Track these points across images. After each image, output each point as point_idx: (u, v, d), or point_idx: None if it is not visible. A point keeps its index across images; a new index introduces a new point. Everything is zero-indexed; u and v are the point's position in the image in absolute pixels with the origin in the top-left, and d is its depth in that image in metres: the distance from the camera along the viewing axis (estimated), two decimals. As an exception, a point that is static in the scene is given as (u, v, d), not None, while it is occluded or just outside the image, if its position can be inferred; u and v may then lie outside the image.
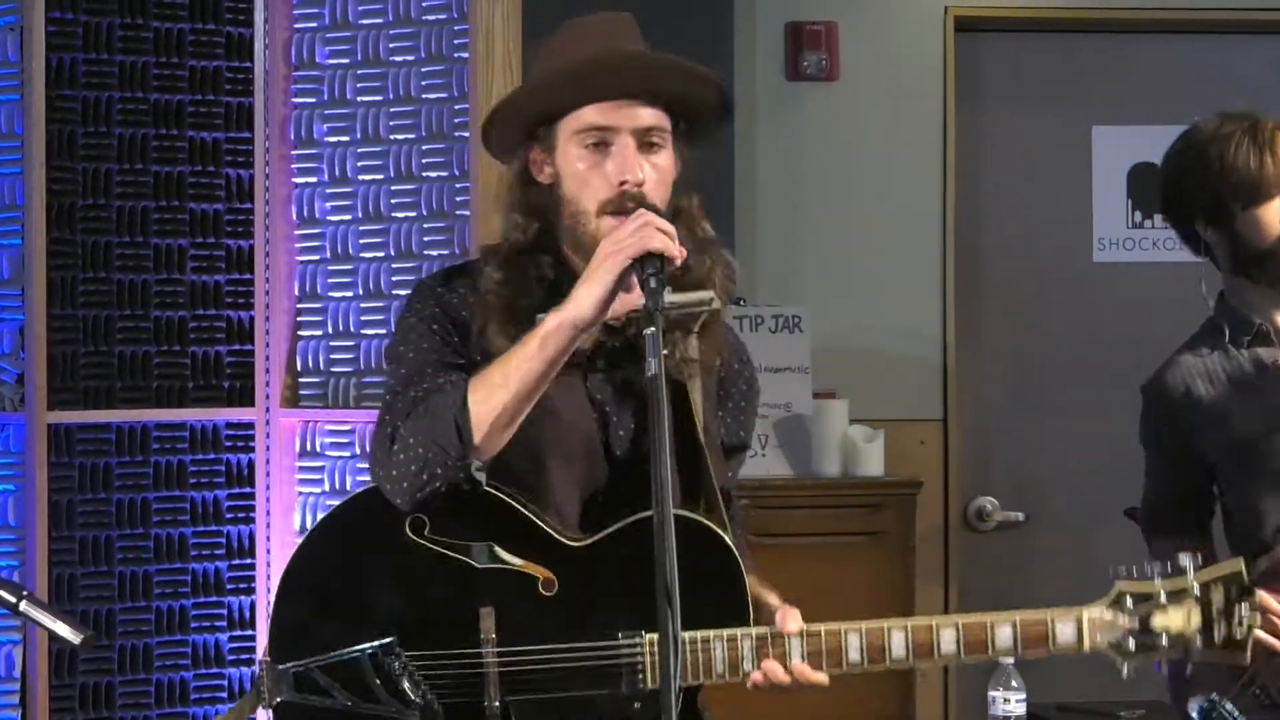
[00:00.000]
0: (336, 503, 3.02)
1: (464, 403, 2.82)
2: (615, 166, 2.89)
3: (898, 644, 2.85)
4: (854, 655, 2.85)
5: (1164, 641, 2.88)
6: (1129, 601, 2.89)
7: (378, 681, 2.74)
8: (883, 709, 5.24)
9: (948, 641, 2.86)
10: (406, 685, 2.74)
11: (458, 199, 4.76)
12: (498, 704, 2.84)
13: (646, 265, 2.70)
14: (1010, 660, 3.49)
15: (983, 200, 6.03)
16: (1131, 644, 2.88)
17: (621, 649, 2.85)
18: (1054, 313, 6.03)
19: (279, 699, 2.79)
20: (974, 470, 5.95)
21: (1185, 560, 2.96)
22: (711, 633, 2.83)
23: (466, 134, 4.70)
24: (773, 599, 2.97)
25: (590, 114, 2.91)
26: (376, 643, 2.74)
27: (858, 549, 5.38)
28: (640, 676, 2.85)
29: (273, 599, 2.95)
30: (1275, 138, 3.66)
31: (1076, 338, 5.95)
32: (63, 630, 3.05)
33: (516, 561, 2.86)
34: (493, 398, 2.81)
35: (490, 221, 4.59)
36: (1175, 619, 2.88)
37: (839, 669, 2.86)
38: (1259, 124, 3.69)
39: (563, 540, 2.88)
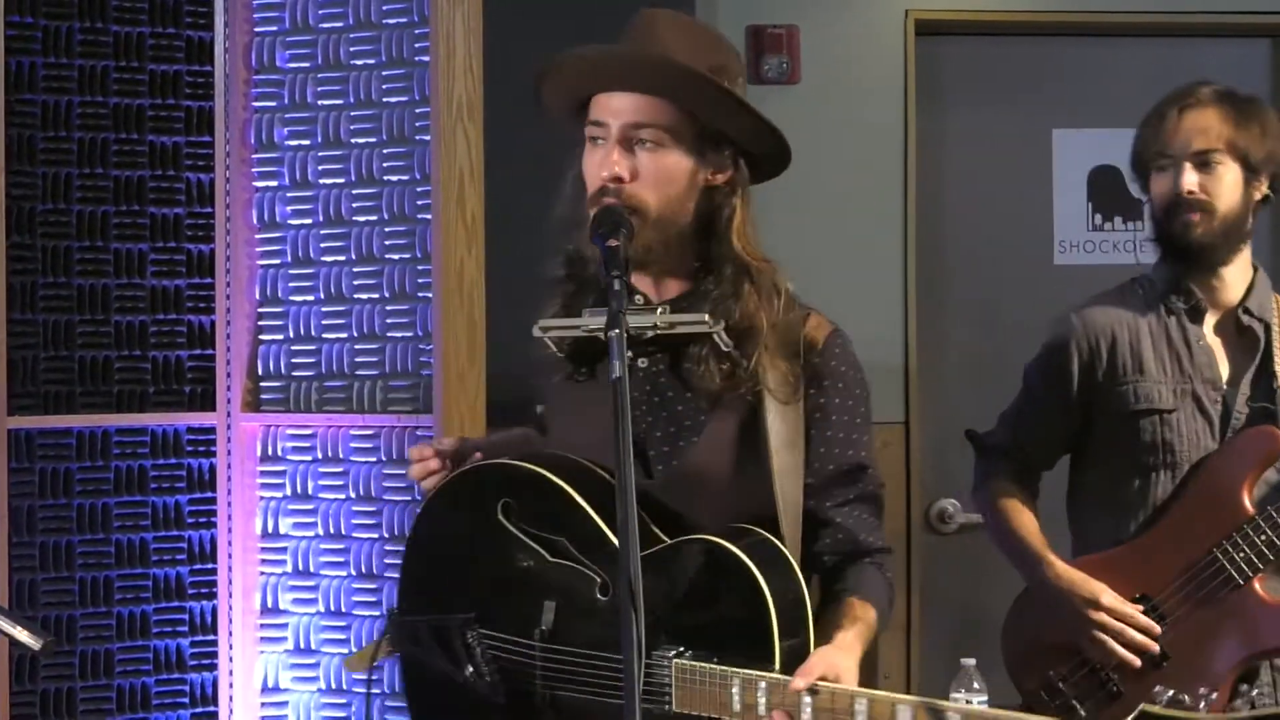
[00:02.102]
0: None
1: None
2: (599, 161, 2.95)
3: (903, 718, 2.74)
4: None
5: None
6: None
7: (462, 650, 2.95)
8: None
9: None
10: (480, 659, 2.94)
11: (419, 202, 4.75)
12: (546, 695, 2.90)
13: (610, 268, 2.72)
14: (972, 661, 3.51)
15: (944, 203, 6.04)
16: None
17: (651, 666, 2.81)
18: (1015, 315, 6.03)
19: (398, 651, 3.04)
20: (936, 472, 5.95)
21: (1240, 702, 2.91)
22: (732, 671, 2.79)
23: (428, 137, 4.70)
24: (839, 634, 2.91)
25: (592, 108, 2.99)
26: (463, 615, 2.95)
27: (820, 551, 5.38)
28: (666, 697, 2.82)
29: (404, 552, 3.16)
30: (1180, 109, 3.70)
31: (1038, 340, 5.94)
32: (23, 636, 3.04)
33: (579, 561, 2.90)
34: None
35: (451, 225, 4.62)
36: None
37: None
38: (1177, 93, 3.73)
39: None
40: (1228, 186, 3.69)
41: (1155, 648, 3.53)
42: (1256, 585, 3.54)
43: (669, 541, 2.88)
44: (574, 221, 3.02)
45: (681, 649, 2.81)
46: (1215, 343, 3.73)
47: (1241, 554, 3.53)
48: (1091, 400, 3.76)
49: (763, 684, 2.76)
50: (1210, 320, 3.75)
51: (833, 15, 5.92)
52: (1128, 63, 6.08)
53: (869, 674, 5.53)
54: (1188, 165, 3.69)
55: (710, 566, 2.83)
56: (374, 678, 3.25)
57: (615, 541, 2.83)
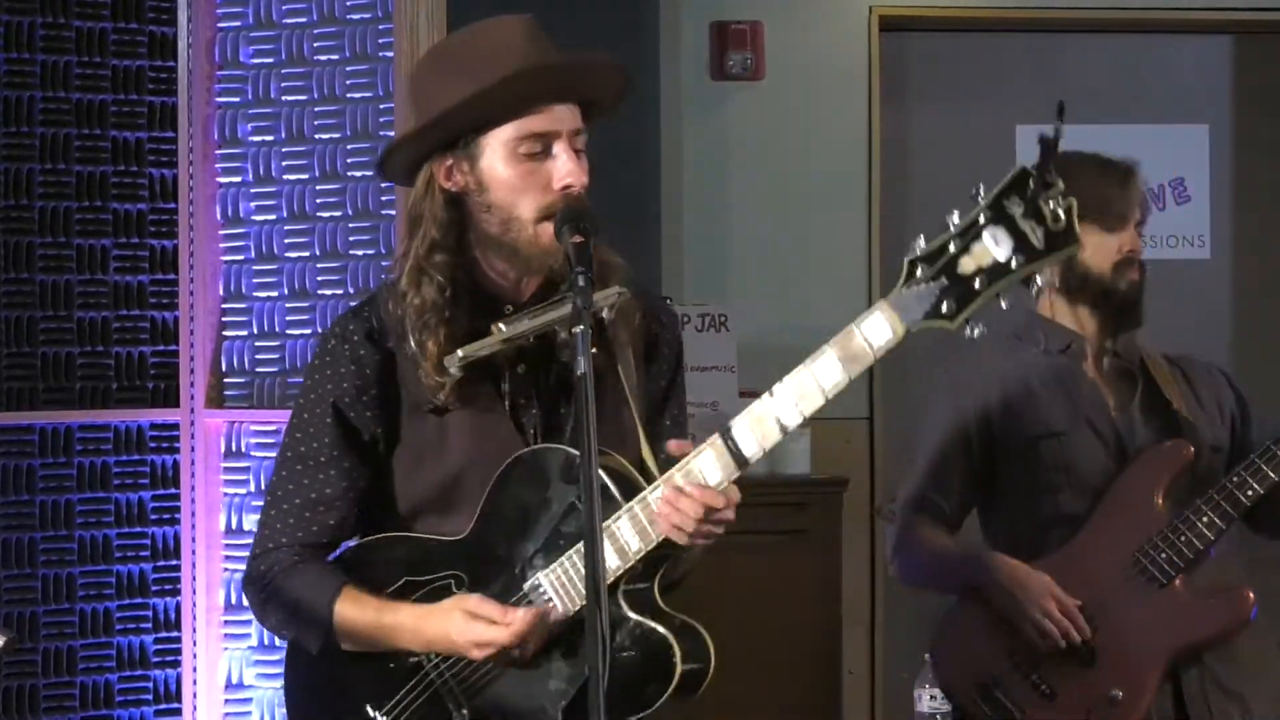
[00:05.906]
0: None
1: (329, 631, 2.91)
2: (560, 171, 2.85)
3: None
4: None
5: (984, 282, 2.57)
6: (921, 269, 2.65)
7: None
8: (810, 707, 5.24)
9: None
10: None
11: (383, 199, 4.75)
12: (465, 712, 2.87)
13: (578, 263, 2.70)
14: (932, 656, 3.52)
15: (908, 198, 6.06)
16: (951, 303, 2.60)
17: (527, 595, 2.84)
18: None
19: None
20: (900, 468, 5.94)
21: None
22: (621, 509, 2.80)
23: (391, 133, 4.69)
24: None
25: (532, 122, 2.86)
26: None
27: (785, 546, 5.40)
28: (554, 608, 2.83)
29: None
30: (1130, 175, 3.75)
31: (1000, 335, 5.96)
32: (-15, 634, 3.04)
33: (427, 581, 2.89)
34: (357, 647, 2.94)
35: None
36: (982, 252, 2.60)
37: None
38: (1113, 160, 3.77)
39: (449, 539, 2.90)
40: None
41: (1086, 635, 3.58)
42: (1178, 584, 3.60)
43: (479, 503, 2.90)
44: (443, 247, 2.94)
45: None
46: (1097, 378, 3.80)
47: (1163, 555, 3.60)
48: (991, 440, 3.81)
49: (656, 491, 2.81)
50: (1089, 357, 3.81)
51: (797, 11, 5.93)
52: (1090, 58, 6.10)
53: (833, 670, 5.54)
54: (1135, 227, 3.75)
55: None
56: None
57: (438, 539, 2.90)
